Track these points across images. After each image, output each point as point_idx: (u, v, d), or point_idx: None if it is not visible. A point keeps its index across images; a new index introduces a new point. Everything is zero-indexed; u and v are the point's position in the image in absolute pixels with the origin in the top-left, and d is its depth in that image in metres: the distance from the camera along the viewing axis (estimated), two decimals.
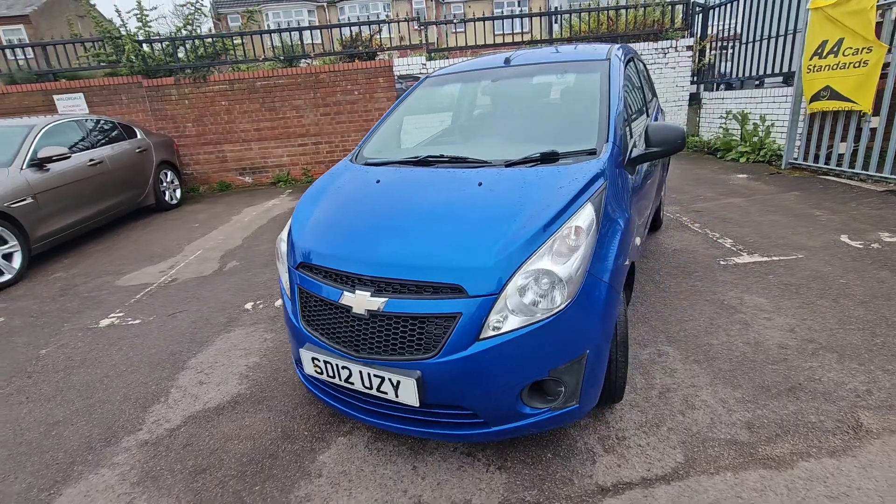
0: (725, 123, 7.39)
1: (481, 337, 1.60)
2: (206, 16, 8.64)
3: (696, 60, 7.95)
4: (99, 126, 6.12)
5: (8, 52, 7.84)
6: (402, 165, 2.37)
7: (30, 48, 7.82)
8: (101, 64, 7.66)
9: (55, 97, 7.59)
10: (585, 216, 1.76)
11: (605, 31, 7.94)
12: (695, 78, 8.07)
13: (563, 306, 1.62)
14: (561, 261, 1.65)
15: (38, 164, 4.89)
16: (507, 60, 2.84)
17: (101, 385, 2.63)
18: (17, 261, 4.46)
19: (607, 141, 2.13)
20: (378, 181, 2.24)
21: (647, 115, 3.25)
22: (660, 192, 3.75)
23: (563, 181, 1.89)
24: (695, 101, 8.12)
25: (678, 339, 2.59)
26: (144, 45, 7.57)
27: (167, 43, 7.62)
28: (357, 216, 2.05)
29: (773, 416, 1.98)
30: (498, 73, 2.82)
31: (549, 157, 2.10)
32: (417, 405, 1.65)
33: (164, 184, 7.00)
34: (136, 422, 2.30)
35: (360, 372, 1.72)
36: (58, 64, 7.85)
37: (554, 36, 8.20)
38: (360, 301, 1.71)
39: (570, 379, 1.69)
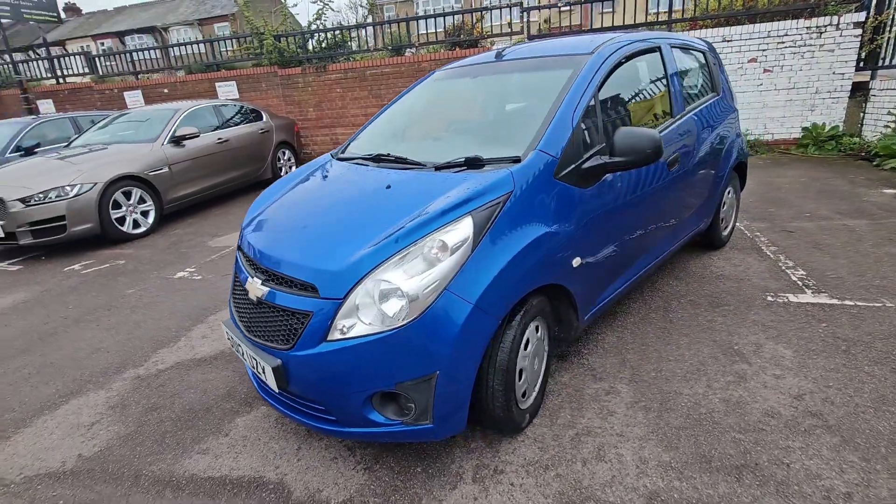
0: None
1: (329, 338, 1.64)
2: (363, 7, 9.51)
3: (868, 41, 6.27)
4: (231, 110, 7.29)
5: (179, 48, 9.72)
6: (360, 162, 2.44)
7: (201, 44, 9.57)
8: (249, 56, 9.04)
9: (217, 84, 9.21)
10: (457, 230, 1.66)
11: (741, 8, 6.70)
12: (861, 63, 6.39)
13: (405, 322, 1.58)
14: (412, 274, 1.60)
15: (176, 140, 6.06)
16: (498, 55, 2.68)
17: (144, 325, 3.29)
18: (151, 218, 5.65)
19: (535, 149, 1.93)
20: (326, 176, 2.37)
21: (678, 117, 2.75)
22: (708, 208, 3.19)
23: (455, 190, 1.79)
24: (860, 92, 6.44)
25: (642, 380, 2.25)
26: (280, 40, 8.69)
27: (298, 37, 8.65)
28: (288, 208, 2.21)
29: (687, 495, 1.65)
30: (484, 70, 2.69)
31: (474, 163, 1.98)
32: (276, 390, 1.78)
33: (281, 161, 8.07)
34: (143, 359, 2.84)
35: (246, 351, 1.90)
36: (220, 57, 9.48)
37: (674, 16, 7.18)
38: (253, 287, 1.88)
39: (418, 396, 1.64)
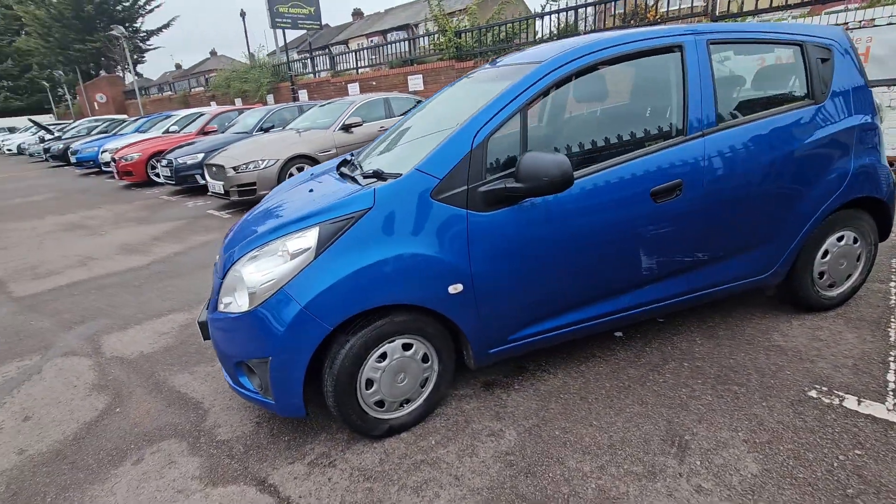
0: None
1: (217, 308, 2.05)
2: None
3: None
4: (399, 102, 8.27)
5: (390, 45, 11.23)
6: (336, 168, 2.70)
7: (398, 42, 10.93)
8: (435, 51, 9.94)
9: (409, 77, 10.47)
10: (303, 238, 1.83)
11: None
12: None
13: (244, 309, 1.86)
14: (259, 270, 1.86)
15: (346, 127, 7.30)
16: (493, 61, 2.54)
17: (203, 288, 4.21)
18: None
19: (414, 167, 1.88)
20: (305, 181, 2.71)
21: (693, 136, 2.14)
22: (773, 253, 2.40)
23: (327, 200, 1.93)
24: None
25: (539, 436, 1.99)
26: (461, 35, 9.29)
27: (475, 31, 9.09)
28: (265, 204, 2.65)
29: None
30: (472, 77, 2.58)
31: (380, 176, 2.06)
32: (203, 340, 2.28)
33: None
34: (181, 311, 3.69)
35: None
36: (414, 53, 10.68)
37: None
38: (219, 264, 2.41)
39: (260, 374, 1.92)
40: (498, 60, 2.57)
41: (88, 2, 26.94)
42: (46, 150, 15.90)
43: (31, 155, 18.98)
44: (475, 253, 1.92)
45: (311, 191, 2.28)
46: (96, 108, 26.83)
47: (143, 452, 2.12)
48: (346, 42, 35.58)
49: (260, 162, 6.52)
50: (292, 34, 22.36)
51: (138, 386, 2.65)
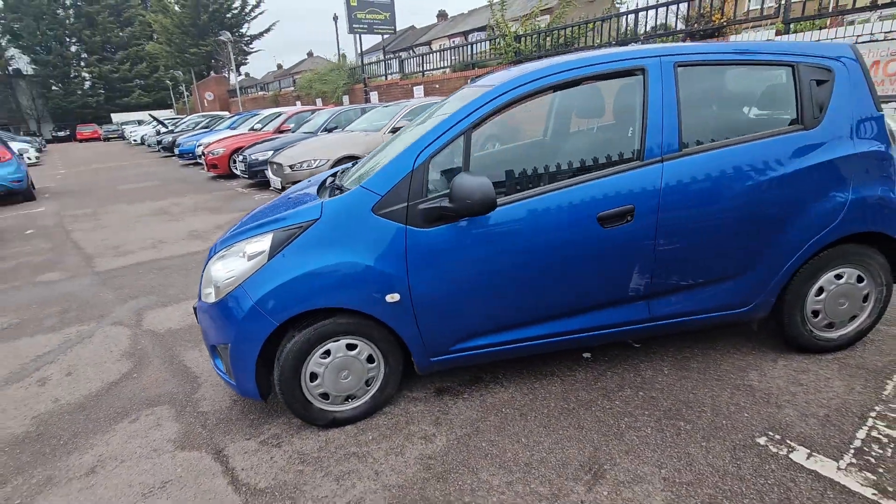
0: None
1: (200, 297, 2.37)
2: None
3: None
4: None
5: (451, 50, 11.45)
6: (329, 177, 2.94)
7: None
8: (495, 55, 10.00)
9: (469, 81, 10.62)
10: (259, 242, 2.08)
11: None
12: None
13: (212, 300, 2.14)
14: (224, 268, 2.13)
15: (394, 130, 7.61)
16: (472, 79, 2.62)
17: None
18: None
19: (360, 184, 2.04)
20: (306, 186, 2.98)
21: (650, 161, 2.07)
22: (755, 286, 2.25)
23: (287, 210, 2.15)
24: None
25: (466, 445, 2.07)
26: (520, 40, 9.26)
27: (535, 36, 9.01)
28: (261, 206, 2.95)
29: None
30: (456, 93, 2.67)
31: (342, 189, 2.25)
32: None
33: None
34: None
35: None
36: (475, 57, 10.80)
37: None
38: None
39: (224, 357, 2.20)
40: (476, 80, 2.65)
41: (205, 11, 30.27)
42: (159, 142, 18.19)
43: (148, 146, 21.78)
44: (413, 266, 2.04)
45: (289, 198, 2.53)
46: (205, 104, 30.08)
47: (140, 413, 2.50)
48: (429, 43, 36.45)
49: (312, 161, 7.04)
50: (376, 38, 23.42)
51: (157, 357, 3.09)
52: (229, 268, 2.13)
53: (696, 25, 6.59)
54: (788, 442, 1.92)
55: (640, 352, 2.64)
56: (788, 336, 2.41)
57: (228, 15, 32.24)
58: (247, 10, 32.85)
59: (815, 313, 2.37)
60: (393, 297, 2.06)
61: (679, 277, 2.22)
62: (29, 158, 16.17)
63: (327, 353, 2.14)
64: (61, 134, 41.55)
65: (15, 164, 9.38)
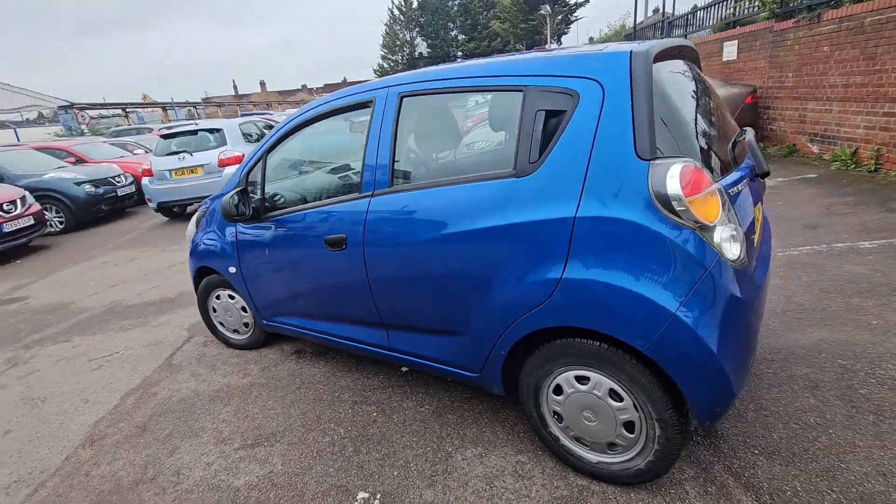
0: None
1: None
2: None
3: None
4: None
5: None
6: None
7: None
8: (751, 9, 7.55)
9: (724, 44, 8.48)
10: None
11: None
12: None
13: None
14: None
15: None
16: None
17: None
18: None
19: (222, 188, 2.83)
20: None
21: (367, 193, 1.99)
22: (469, 353, 1.93)
23: None
24: None
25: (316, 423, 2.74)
26: None
27: None
28: None
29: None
30: None
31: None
32: None
33: None
34: None
35: None
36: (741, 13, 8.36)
37: None
38: None
39: None
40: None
41: None
42: None
43: None
44: (241, 250, 2.77)
45: None
46: None
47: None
48: None
49: None
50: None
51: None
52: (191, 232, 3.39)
53: None
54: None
55: (409, 378, 2.58)
56: (538, 435, 1.89)
57: None
58: None
59: (558, 417, 1.77)
60: (233, 269, 2.87)
61: (400, 316, 2.12)
62: None
63: (217, 297, 3.16)
64: None
65: None
